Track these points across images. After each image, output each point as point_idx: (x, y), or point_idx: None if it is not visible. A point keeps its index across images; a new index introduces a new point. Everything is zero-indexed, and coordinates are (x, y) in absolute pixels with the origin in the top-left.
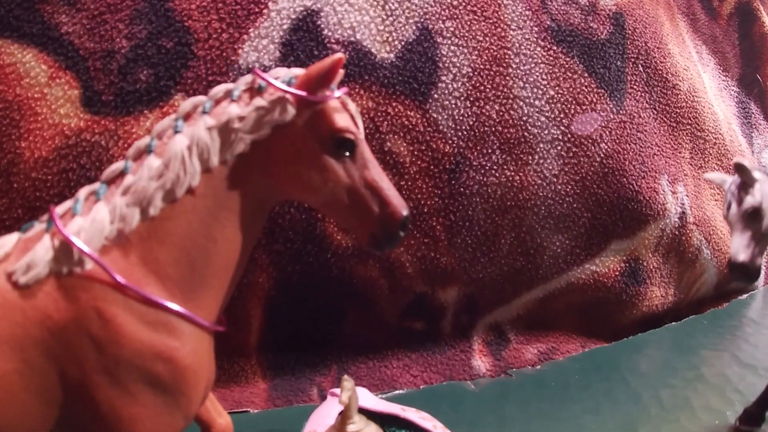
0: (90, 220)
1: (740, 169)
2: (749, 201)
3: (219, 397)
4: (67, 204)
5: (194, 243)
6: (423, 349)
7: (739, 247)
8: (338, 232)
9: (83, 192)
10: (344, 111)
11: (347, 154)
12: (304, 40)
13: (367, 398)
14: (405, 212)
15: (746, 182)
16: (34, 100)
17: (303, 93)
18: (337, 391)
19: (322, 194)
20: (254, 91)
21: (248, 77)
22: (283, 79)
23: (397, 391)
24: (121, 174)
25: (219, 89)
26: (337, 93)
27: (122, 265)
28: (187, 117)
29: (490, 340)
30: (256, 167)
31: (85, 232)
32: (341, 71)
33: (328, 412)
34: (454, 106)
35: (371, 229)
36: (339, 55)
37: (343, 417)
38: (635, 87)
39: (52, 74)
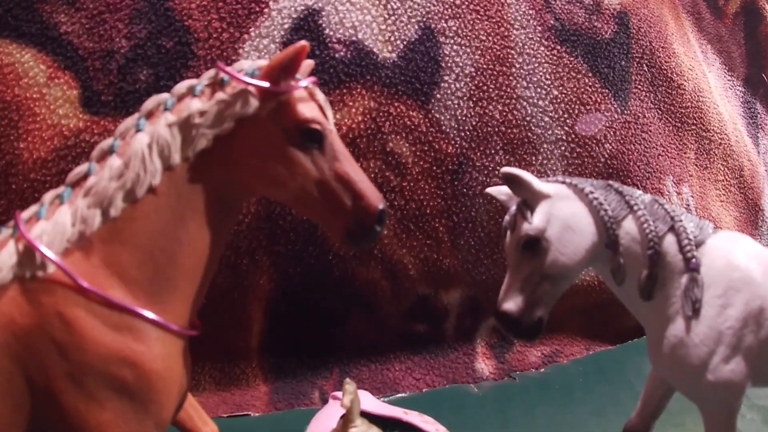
0: (52, 223)
1: (512, 182)
2: (525, 228)
3: (219, 400)
4: (32, 208)
5: (158, 244)
6: (426, 351)
7: (506, 290)
8: None
9: (48, 196)
10: (311, 101)
11: (315, 146)
12: (305, 40)
13: (369, 401)
14: (380, 205)
15: (526, 201)
16: (33, 100)
17: (265, 84)
18: (338, 394)
19: (290, 189)
20: (217, 85)
21: (211, 72)
22: (246, 71)
23: (399, 394)
24: (85, 176)
25: (182, 85)
26: (303, 83)
27: (84, 268)
28: (149, 115)
29: (493, 342)
30: (221, 163)
31: (47, 235)
32: (310, 62)
33: (329, 415)
34: (456, 106)
35: (345, 225)
36: (302, 43)
37: (345, 420)
38: (640, 87)
39: (50, 74)
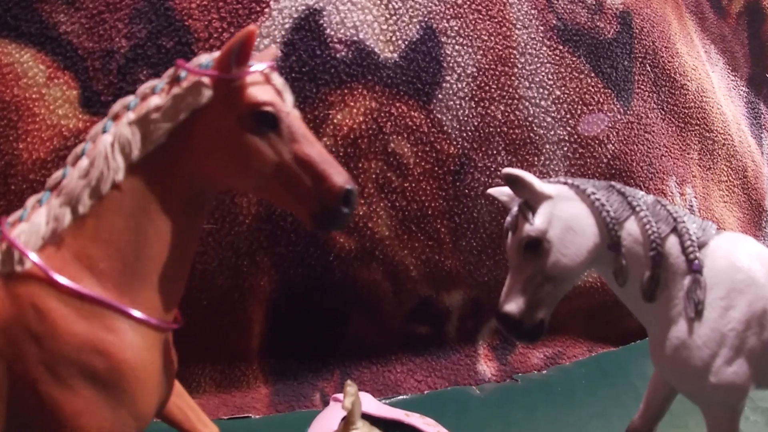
0: (29, 224)
1: (513, 183)
2: (526, 229)
3: (220, 402)
4: (17, 213)
5: (124, 238)
6: (427, 353)
7: (508, 292)
8: (341, 234)
9: (30, 201)
10: (266, 85)
11: (271, 129)
12: (306, 40)
13: (371, 403)
14: (347, 185)
15: (528, 202)
16: (32, 100)
17: (214, 72)
18: (340, 396)
19: (250, 177)
20: (174, 81)
21: (171, 69)
22: (202, 64)
23: (401, 397)
24: (61, 180)
25: (145, 86)
26: (257, 68)
27: (57, 263)
28: (115, 117)
29: (495, 344)
30: (181, 156)
31: (24, 234)
32: (273, 49)
33: (330, 417)
34: (458, 106)
35: (311, 208)
36: (251, 27)
37: (346, 423)
38: (643, 87)
39: (50, 74)
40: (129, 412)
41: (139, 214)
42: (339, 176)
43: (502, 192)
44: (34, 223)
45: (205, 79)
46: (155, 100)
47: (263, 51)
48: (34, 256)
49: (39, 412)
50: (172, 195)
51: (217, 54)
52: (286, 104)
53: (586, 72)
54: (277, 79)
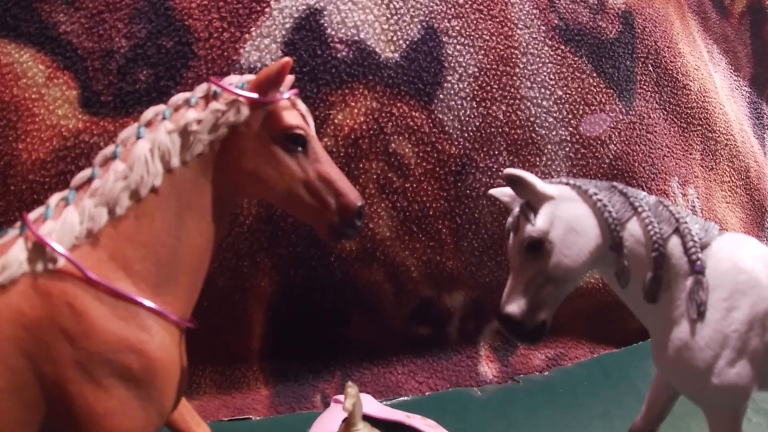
0: (61, 222)
1: (515, 183)
2: (528, 230)
3: (220, 403)
4: (38, 210)
5: (160, 240)
6: (429, 354)
7: (509, 293)
8: None
9: (54, 199)
10: (294, 110)
11: (299, 149)
12: (306, 40)
13: (372, 405)
14: (359, 202)
15: (530, 202)
16: (32, 100)
17: (254, 95)
18: (340, 397)
19: (279, 189)
20: (210, 96)
21: (204, 85)
22: (236, 84)
23: (402, 398)
24: (89, 180)
25: (177, 97)
26: (286, 94)
27: (92, 262)
28: (148, 124)
29: (497, 345)
30: (216, 167)
31: (56, 233)
32: (291, 77)
33: (331, 419)
34: (460, 106)
35: (328, 220)
36: (286, 59)
37: (347, 424)
38: (645, 87)
39: (49, 74)
40: (156, 410)
41: (174, 218)
42: (353, 193)
43: (503, 192)
44: (66, 221)
45: (243, 100)
46: (193, 113)
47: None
48: (69, 255)
49: (68, 413)
50: (204, 200)
51: (248, 77)
52: (310, 128)
53: (588, 72)
54: (302, 105)
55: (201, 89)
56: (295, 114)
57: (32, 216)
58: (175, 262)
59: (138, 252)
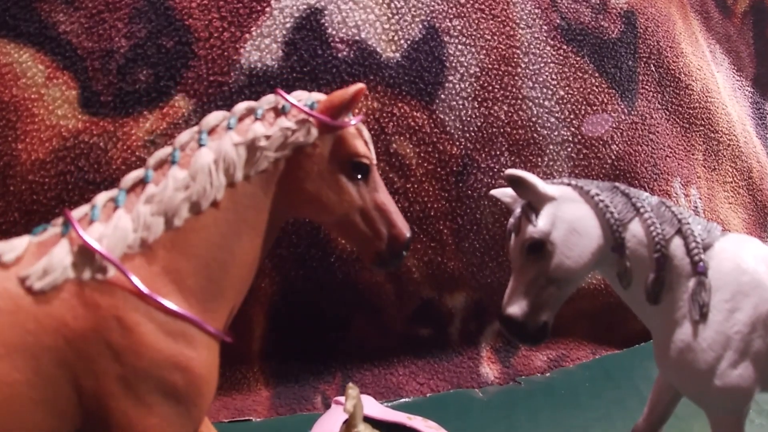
0: (112, 227)
1: (516, 184)
2: (530, 230)
3: (221, 405)
4: (83, 209)
5: (214, 255)
6: (430, 356)
7: (511, 294)
8: None
9: (101, 198)
10: (360, 137)
11: (361, 177)
12: (307, 39)
13: (373, 406)
14: (408, 234)
15: (531, 203)
16: (31, 100)
17: (326, 118)
18: (341, 399)
19: (336, 214)
20: (278, 111)
21: (271, 97)
22: (305, 102)
23: (403, 399)
24: (142, 182)
25: (242, 106)
26: (353, 121)
27: (144, 274)
28: (211, 131)
29: (498, 347)
30: (277, 184)
31: (107, 239)
32: (358, 102)
33: (332, 420)
34: (461, 106)
35: (378, 249)
36: (360, 85)
37: (348, 426)
38: (647, 87)
39: (49, 74)
40: (193, 425)
41: (230, 233)
42: (405, 226)
43: (505, 193)
44: (119, 228)
45: (313, 120)
46: (261, 128)
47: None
48: (123, 266)
49: (105, 427)
50: (260, 217)
51: (317, 95)
52: (373, 157)
53: (590, 72)
54: (366, 132)
55: (267, 101)
56: (361, 142)
57: (76, 215)
58: (225, 277)
59: (192, 266)
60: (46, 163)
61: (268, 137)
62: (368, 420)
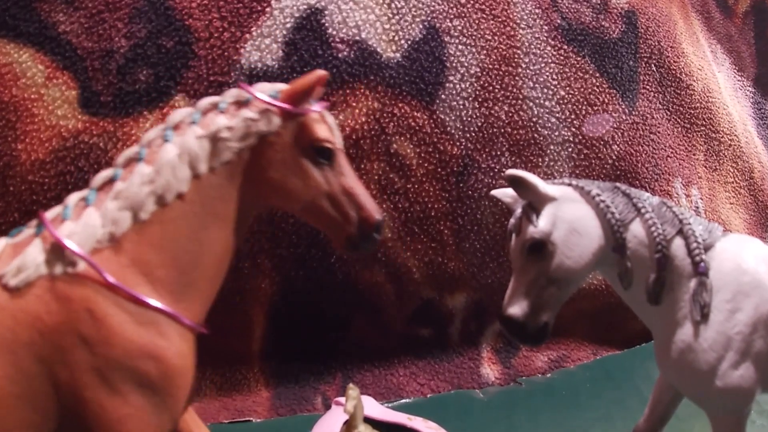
0: (82, 224)
1: (517, 184)
2: (530, 231)
3: (221, 406)
4: (56, 210)
5: (182, 246)
6: (430, 356)
7: (511, 294)
8: None
9: (72, 198)
10: (323, 123)
11: (326, 162)
12: (307, 39)
13: (373, 407)
14: (379, 216)
15: (532, 204)
16: (31, 101)
17: (287, 106)
18: (341, 399)
19: (303, 200)
20: (241, 103)
21: (234, 91)
22: (268, 92)
23: (403, 400)
24: (111, 181)
25: (206, 101)
26: (316, 107)
27: (113, 267)
28: (176, 127)
29: (499, 347)
30: (243, 174)
31: (77, 235)
32: (321, 89)
33: (332, 421)
34: (462, 106)
35: (348, 233)
36: (322, 72)
37: (348, 426)
38: (648, 87)
39: (49, 74)
40: (169, 416)
41: (198, 224)
42: (375, 208)
43: (505, 193)
44: (88, 224)
45: (274, 109)
46: (224, 120)
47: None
48: (91, 259)
49: (83, 419)
50: (228, 208)
51: (279, 86)
52: (338, 141)
53: (590, 72)
54: (330, 118)
55: (231, 94)
56: (325, 127)
57: (49, 215)
58: (196, 268)
59: (160, 258)
60: (46, 164)
61: (230, 128)
62: (369, 421)
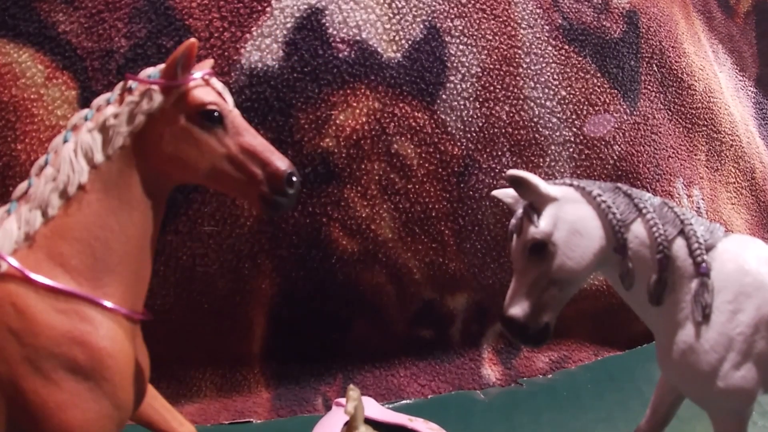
0: (2, 231)
1: (518, 184)
2: (531, 231)
3: (221, 406)
4: None
5: (93, 234)
6: (431, 357)
7: (512, 295)
8: (344, 237)
9: None
10: (207, 87)
11: (217, 125)
12: (308, 39)
13: (374, 408)
14: (286, 167)
15: (533, 204)
16: (31, 101)
17: (162, 81)
18: (342, 400)
19: (202, 168)
20: (126, 91)
21: (121, 83)
22: (151, 75)
23: (404, 401)
24: (27, 190)
25: (99, 99)
26: (196, 74)
27: (31, 262)
28: (74, 128)
29: (500, 348)
30: (139, 156)
31: None
32: (210, 61)
33: (333, 422)
34: (462, 107)
35: (259, 191)
36: (192, 40)
37: (349, 427)
38: (649, 87)
39: (48, 74)
40: (111, 402)
41: (104, 211)
42: (281, 161)
43: (506, 194)
44: (6, 229)
45: (155, 87)
46: (111, 109)
47: (201, 63)
48: (10, 259)
49: (24, 409)
50: (133, 191)
51: (162, 66)
52: (228, 103)
53: (592, 72)
54: (217, 83)
55: (119, 87)
56: (207, 91)
57: None
58: (111, 253)
59: (73, 248)
60: None
61: (116, 115)
62: (369, 422)
